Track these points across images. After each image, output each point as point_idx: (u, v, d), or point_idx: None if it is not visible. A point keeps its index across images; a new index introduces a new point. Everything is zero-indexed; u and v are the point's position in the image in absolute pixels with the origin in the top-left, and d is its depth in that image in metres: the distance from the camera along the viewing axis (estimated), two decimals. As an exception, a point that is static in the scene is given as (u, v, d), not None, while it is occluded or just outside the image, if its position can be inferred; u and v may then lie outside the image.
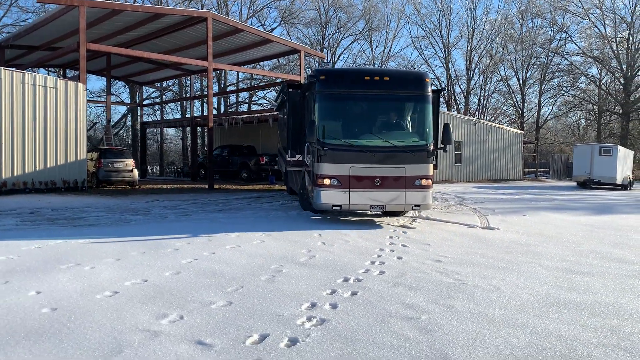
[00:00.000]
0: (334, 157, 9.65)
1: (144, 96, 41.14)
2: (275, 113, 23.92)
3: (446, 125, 10.07)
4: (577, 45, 49.50)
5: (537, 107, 53.54)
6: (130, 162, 18.85)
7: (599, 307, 5.01)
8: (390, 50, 60.51)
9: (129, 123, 44.84)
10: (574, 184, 29.38)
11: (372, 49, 55.50)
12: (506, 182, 31.28)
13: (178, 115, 48.47)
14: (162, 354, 3.67)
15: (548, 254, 7.92)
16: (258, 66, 38.96)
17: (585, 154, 26.94)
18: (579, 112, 57.55)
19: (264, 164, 25.51)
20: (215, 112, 47.31)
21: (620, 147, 27.59)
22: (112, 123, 32.40)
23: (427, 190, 10.08)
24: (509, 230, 10.53)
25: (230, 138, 31.15)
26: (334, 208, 9.86)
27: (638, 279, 6.34)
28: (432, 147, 10.14)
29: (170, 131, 55.43)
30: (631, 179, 28.71)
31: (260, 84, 46.72)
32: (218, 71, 39.17)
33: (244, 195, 17.03)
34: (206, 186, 20.31)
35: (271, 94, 51.72)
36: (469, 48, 53.25)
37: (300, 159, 11.52)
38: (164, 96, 44.55)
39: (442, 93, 11.27)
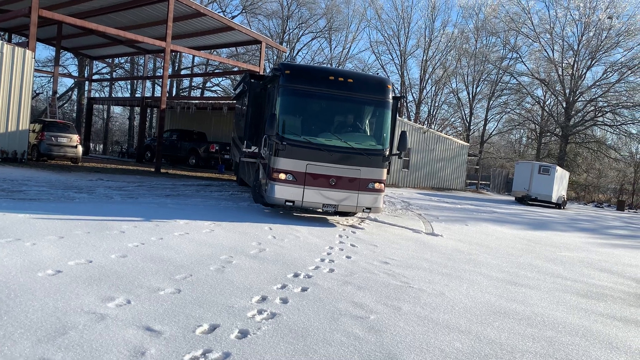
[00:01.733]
0: (292, 152, 9.64)
1: (94, 71, 39.60)
2: (231, 102, 23.63)
3: (403, 133, 10.27)
4: (526, 66, 51.52)
5: (483, 122, 55.43)
6: (75, 137, 18.09)
7: (536, 318, 5.26)
8: (348, 51, 60.85)
9: (74, 97, 43.02)
10: (513, 198, 30.59)
11: (331, 48, 55.83)
12: (449, 191, 32.18)
13: (126, 94, 47.03)
14: (108, 338, 3.58)
15: (488, 264, 8.23)
16: (215, 52, 38.40)
17: (525, 170, 28.10)
18: (522, 131, 59.97)
19: (214, 151, 25.13)
20: (167, 94, 46.21)
21: (558, 167, 28.93)
22: (57, 95, 30.96)
23: (379, 194, 10.24)
24: (452, 238, 10.86)
25: (180, 122, 30.51)
26: (287, 203, 9.85)
27: (570, 293, 6.70)
28: (387, 152, 10.32)
29: (117, 109, 53.75)
30: (565, 199, 30.17)
31: (216, 70, 46.02)
32: (174, 53, 38.20)
33: (193, 182, 16.73)
34: (153, 169, 19.80)
35: (226, 82, 51.09)
36: (424, 58, 54.44)
37: (256, 150, 11.45)
38: (114, 73, 43.02)
39: (401, 101, 11.46)
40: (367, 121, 10.42)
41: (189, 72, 47.22)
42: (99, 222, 7.60)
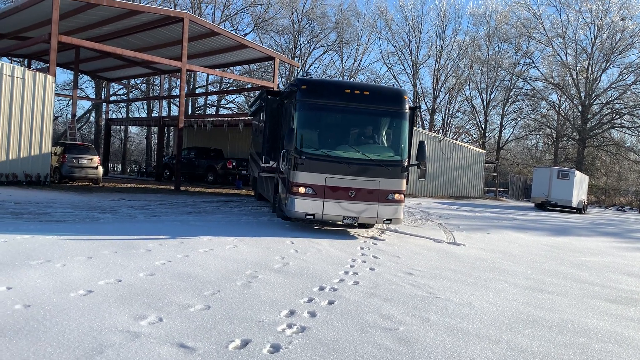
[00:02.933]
0: (311, 166, 9.71)
1: (111, 92, 40.30)
2: (247, 118, 23.87)
3: (421, 143, 10.29)
4: (539, 71, 51.25)
5: (499, 128, 55.09)
6: (95, 158, 18.41)
7: (566, 325, 5.21)
8: (360, 63, 61.04)
9: (92, 119, 43.77)
10: (532, 204, 30.28)
11: (342, 61, 56.05)
12: (467, 200, 31.98)
13: (142, 114, 47.71)
14: (144, 355, 3.64)
15: (513, 272, 8.17)
16: (229, 70, 38.85)
17: (544, 176, 27.85)
18: (538, 136, 59.54)
19: (231, 168, 25.32)
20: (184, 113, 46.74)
21: (577, 172, 28.64)
22: (76, 118, 31.56)
23: (400, 205, 10.25)
24: (474, 246, 10.80)
25: (197, 140, 30.82)
26: (308, 217, 9.91)
27: (599, 299, 6.62)
28: (406, 163, 10.34)
29: (133, 129, 54.46)
30: (585, 203, 29.80)
31: (230, 87, 46.51)
32: (188, 72, 38.80)
33: (212, 198, 16.87)
34: (172, 187, 20.02)
35: (240, 99, 51.58)
36: (436, 67, 54.44)
37: (275, 165, 11.55)
38: (130, 94, 43.71)
39: (417, 110, 11.52)
40: (385, 132, 10.47)
41: (203, 90, 47.77)
42: (125, 242, 7.72)
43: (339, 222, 10.34)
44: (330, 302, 5.40)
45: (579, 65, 48.90)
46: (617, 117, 48.01)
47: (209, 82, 48.66)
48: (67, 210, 10.65)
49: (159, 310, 4.67)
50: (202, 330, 4.22)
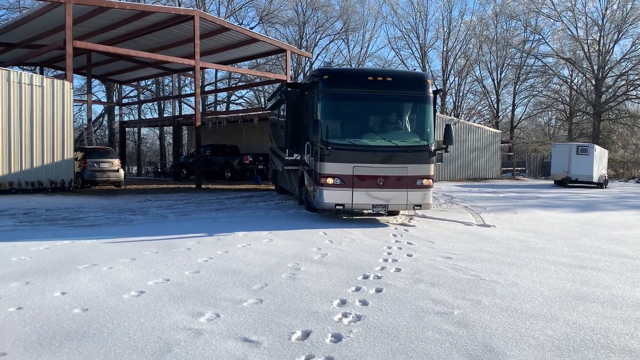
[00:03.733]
0: (338, 156, 9.71)
1: (122, 95, 40.52)
2: (262, 113, 23.89)
3: (448, 126, 10.24)
4: (550, 46, 50.61)
5: (511, 107, 54.61)
6: (116, 162, 18.57)
7: (617, 300, 5.18)
8: (367, 50, 60.87)
9: (105, 123, 44.08)
10: (551, 182, 30.04)
11: (349, 49, 55.74)
12: (486, 181, 31.81)
13: (154, 115, 47.92)
14: (211, 351, 3.68)
15: (549, 250, 8.13)
16: (237, 65, 38.84)
17: (563, 152, 27.59)
18: (549, 113, 58.88)
19: (248, 163, 25.40)
20: (193, 111, 46.92)
21: (596, 146, 28.35)
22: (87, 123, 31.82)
23: (428, 190, 10.23)
24: (505, 227, 10.75)
25: (211, 138, 30.91)
26: (337, 207, 9.92)
27: (643, 272, 6.57)
28: (433, 147, 10.30)
29: (144, 130, 54.73)
30: (606, 178, 29.50)
31: (239, 83, 46.54)
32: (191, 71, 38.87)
33: (235, 194, 16.96)
34: (193, 186, 20.14)
35: (250, 94, 51.66)
36: (444, 49, 53.98)
37: (298, 158, 11.56)
38: (141, 95, 43.91)
39: (439, 94, 11.46)
40: (410, 118, 10.42)
41: (212, 87, 47.85)
42: (164, 242, 7.79)
43: (365, 211, 10.33)
44: (378, 290, 5.42)
45: (590, 38, 48.23)
46: (631, 88, 47.35)
47: (218, 78, 48.76)
48: (98, 214, 10.77)
49: (214, 306, 4.72)
50: (260, 324, 4.26)
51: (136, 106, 44.45)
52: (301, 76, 47.53)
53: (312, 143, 10.10)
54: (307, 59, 49.15)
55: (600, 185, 27.86)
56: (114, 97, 37.83)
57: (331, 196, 9.81)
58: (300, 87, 11.53)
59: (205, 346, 3.77)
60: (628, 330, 4.24)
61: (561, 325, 4.31)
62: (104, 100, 40.69)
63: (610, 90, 48.10)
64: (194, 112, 45.92)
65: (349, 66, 52.02)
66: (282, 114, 13.73)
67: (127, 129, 35.47)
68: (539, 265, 6.93)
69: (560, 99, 52.57)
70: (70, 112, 15.68)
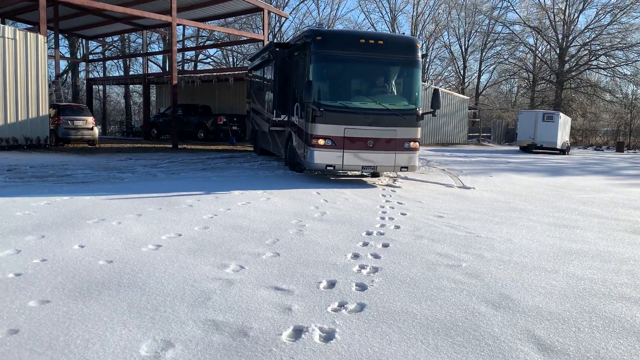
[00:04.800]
0: (329, 118, 9.86)
1: (84, 52, 39.08)
2: (237, 72, 23.60)
3: (436, 91, 10.49)
4: (517, 14, 51.36)
5: (477, 74, 55.42)
6: (90, 119, 18.16)
7: (605, 255, 5.62)
8: (337, 12, 60.21)
9: (69, 80, 42.52)
10: (516, 148, 30.99)
11: (319, 10, 55.23)
12: (454, 146, 32.53)
13: (119, 72, 46.56)
14: (249, 298, 3.88)
15: (531, 211, 8.59)
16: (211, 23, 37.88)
17: (529, 119, 28.42)
18: (513, 80, 59.98)
19: (222, 124, 25.16)
20: (159, 70, 45.76)
21: (561, 114, 29.28)
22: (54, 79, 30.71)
23: (415, 153, 10.54)
24: (484, 189, 11.22)
25: (181, 98, 30.26)
26: (328, 168, 10.13)
27: (620, 231, 7.07)
28: (420, 111, 10.56)
29: (108, 88, 53.08)
30: (569, 145, 30.62)
31: (207, 42, 45.48)
32: (164, 28, 37.76)
33: (214, 155, 16.93)
34: (169, 145, 19.95)
35: (218, 54, 50.59)
36: (414, 13, 53.95)
37: (285, 118, 11.65)
38: (107, 52, 42.47)
39: (424, 59, 11.64)
40: (399, 81, 10.62)
41: (180, 45, 46.59)
42: (163, 199, 7.86)
43: (354, 172, 10.58)
44: (385, 245, 5.70)
45: (556, 7, 49.04)
46: (593, 58, 48.64)
47: (186, 36, 47.49)
48: (86, 172, 10.67)
49: (235, 259, 4.90)
50: (286, 274, 4.49)
51: (100, 63, 43.01)
52: (270, 36, 46.74)
53: (303, 104, 10.19)
54: (277, 19, 48.32)
55: (563, 151, 28.93)
56: (78, 54, 36.50)
57: (322, 157, 10.00)
58: (289, 48, 11.52)
59: (241, 293, 3.98)
60: (622, 280, 4.66)
61: (562, 277, 4.70)
62: (68, 56, 39.18)
63: (573, 59, 49.30)
64: (160, 71, 45.00)
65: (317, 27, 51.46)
66: (267, 74, 13.68)
67: (93, 87, 34.38)
68: (526, 224, 7.36)
69: (524, 67, 53.60)
70: (45, 67, 15.18)
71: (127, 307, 3.63)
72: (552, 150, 28.41)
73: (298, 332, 3.31)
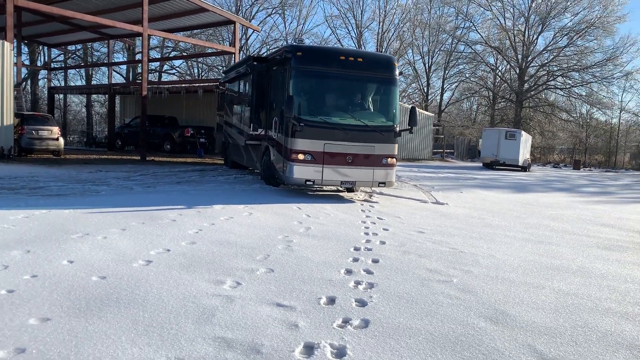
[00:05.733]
0: (309, 133, 9.93)
1: (45, 60, 38.09)
2: (206, 84, 23.46)
3: (413, 108, 10.74)
4: (479, 34, 52.84)
5: (440, 92, 56.73)
6: (56, 129, 17.65)
7: (584, 271, 5.86)
8: (303, 27, 60.56)
9: (28, 88, 41.30)
10: (479, 164, 31.81)
11: (285, 25, 55.48)
12: (419, 162, 33.11)
13: (80, 82, 45.53)
14: (253, 314, 3.89)
15: (505, 227, 8.85)
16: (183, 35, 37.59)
17: (493, 137, 29.26)
18: (472, 99, 61.66)
19: (189, 136, 24.93)
20: (122, 80, 45.00)
21: (523, 132, 30.28)
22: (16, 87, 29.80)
23: (392, 169, 10.71)
24: (457, 205, 11.49)
25: (148, 108, 29.90)
26: (307, 183, 10.18)
27: (592, 247, 7.36)
28: (398, 128, 10.76)
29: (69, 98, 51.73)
30: (529, 162, 31.62)
31: (172, 52, 45.06)
32: (130, 38, 37.19)
33: (186, 168, 16.73)
34: (136, 157, 19.60)
35: (183, 65, 50.11)
36: (380, 31, 54.93)
37: (262, 132, 11.67)
38: (69, 60, 41.48)
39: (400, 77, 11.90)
40: (377, 98, 10.81)
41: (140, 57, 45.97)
42: (145, 213, 7.74)
43: (332, 187, 10.66)
44: (375, 261, 5.78)
45: (516, 28, 50.85)
46: (551, 78, 50.57)
47: (151, 46, 46.86)
48: (59, 184, 10.38)
49: (230, 275, 4.89)
50: (284, 291, 4.50)
51: (61, 72, 41.93)
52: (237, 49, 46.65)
53: (282, 119, 10.24)
54: (244, 31, 48.34)
55: (524, 168, 29.86)
56: (38, 61, 35.53)
57: (301, 172, 10.05)
58: (267, 62, 11.57)
59: (244, 310, 3.97)
60: (605, 295, 4.87)
61: (549, 292, 4.88)
62: (27, 63, 38.07)
63: (532, 79, 51.12)
64: (124, 81, 44.26)
65: (285, 42, 51.76)
66: (243, 87, 13.67)
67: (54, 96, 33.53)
68: (504, 240, 7.58)
69: (485, 86, 55.22)
70: (10, 74, 14.76)
71: (131, 324, 3.58)
72: (514, 167, 29.28)
73: (310, 349, 3.34)
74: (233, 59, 25.46)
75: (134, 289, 4.33)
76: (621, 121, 52.47)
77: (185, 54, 41.78)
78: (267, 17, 53.65)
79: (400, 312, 4.12)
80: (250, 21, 52.42)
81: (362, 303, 4.31)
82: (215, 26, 25.84)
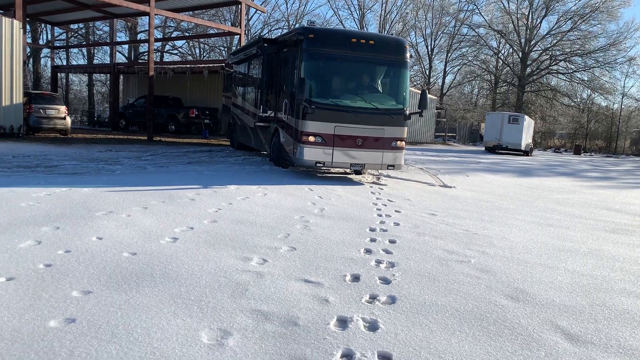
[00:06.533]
0: (320, 115, 10.03)
1: (47, 38, 37.91)
2: (211, 65, 23.42)
3: (423, 92, 10.82)
4: (483, 17, 52.50)
5: (442, 75, 56.56)
6: (63, 108, 17.72)
7: (596, 253, 6.03)
8: (305, 7, 60.29)
9: (30, 66, 41.10)
10: (482, 148, 31.90)
11: (287, 5, 55.14)
12: (422, 145, 33.19)
13: (82, 61, 45.34)
14: (284, 289, 4.04)
15: (514, 210, 9.01)
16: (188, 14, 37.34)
17: (496, 121, 29.31)
18: (473, 83, 61.48)
19: (194, 117, 24.96)
20: (125, 60, 44.76)
21: (526, 117, 30.32)
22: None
23: (401, 152, 10.83)
24: (464, 188, 11.63)
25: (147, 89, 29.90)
26: (317, 165, 10.31)
27: (601, 231, 7.54)
28: (408, 111, 10.87)
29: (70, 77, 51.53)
30: (532, 146, 31.73)
31: (174, 32, 44.78)
32: (133, 17, 36.93)
33: (194, 148, 16.83)
34: (143, 137, 19.68)
35: (185, 46, 49.86)
36: (383, 12, 54.57)
37: (272, 114, 11.76)
38: (72, 39, 41.22)
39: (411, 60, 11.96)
40: (388, 81, 10.88)
41: (145, 35, 45.71)
42: (163, 192, 7.88)
43: (341, 169, 10.79)
44: (392, 241, 5.93)
45: (520, 12, 50.53)
46: (554, 63, 50.41)
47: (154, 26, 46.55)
48: (73, 163, 10.50)
49: (255, 252, 5.04)
50: (310, 268, 4.66)
51: (63, 51, 41.76)
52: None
53: (293, 101, 10.33)
54: (247, 11, 47.97)
55: (527, 153, 29.98)
56: (41, 40, 35.37)
57: (312, 154, 10.17)
58: (278, 44, 11.61)
59: (275, 285, 4.13)
60: (619, 276, 5.04)
61: (564, 273, 5.05)
62: (29, 41, 37.83)
63: (535, 63, 50.96)
64: (125, 60, 44.02)
65: (286, 23, 51.44)
66: (253, 69, 13.72)
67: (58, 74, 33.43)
68: (514, 223, 7.74)
69: (487, 70, 55.04)
70: (20, 53, 14.76)
71: (170, 297, 3.74)
72: (517, 151, 29.39)
73: (343, 322, 3.50)
74: (238, 41, 25.36)
75: (165, 264, 4.48)
76: (622, 107, 52.49)
77: (187, 34, 41.46)
78: (268, -3, 53.20)
79: (423, 289, 4.27)
80: (252, 1, 52.19)
81: (385, 281, 4.46)
82: (221, 6, 25.72)
